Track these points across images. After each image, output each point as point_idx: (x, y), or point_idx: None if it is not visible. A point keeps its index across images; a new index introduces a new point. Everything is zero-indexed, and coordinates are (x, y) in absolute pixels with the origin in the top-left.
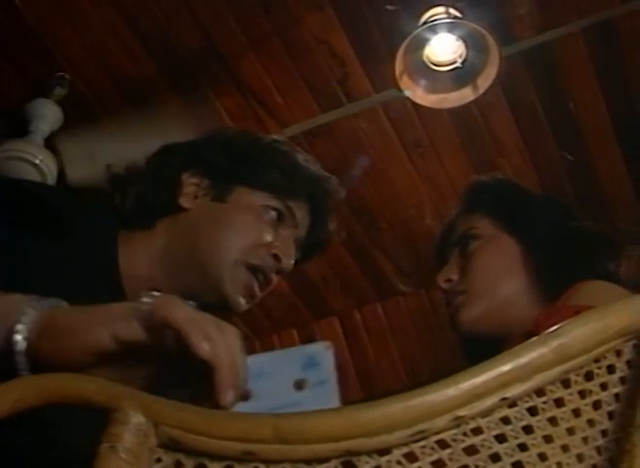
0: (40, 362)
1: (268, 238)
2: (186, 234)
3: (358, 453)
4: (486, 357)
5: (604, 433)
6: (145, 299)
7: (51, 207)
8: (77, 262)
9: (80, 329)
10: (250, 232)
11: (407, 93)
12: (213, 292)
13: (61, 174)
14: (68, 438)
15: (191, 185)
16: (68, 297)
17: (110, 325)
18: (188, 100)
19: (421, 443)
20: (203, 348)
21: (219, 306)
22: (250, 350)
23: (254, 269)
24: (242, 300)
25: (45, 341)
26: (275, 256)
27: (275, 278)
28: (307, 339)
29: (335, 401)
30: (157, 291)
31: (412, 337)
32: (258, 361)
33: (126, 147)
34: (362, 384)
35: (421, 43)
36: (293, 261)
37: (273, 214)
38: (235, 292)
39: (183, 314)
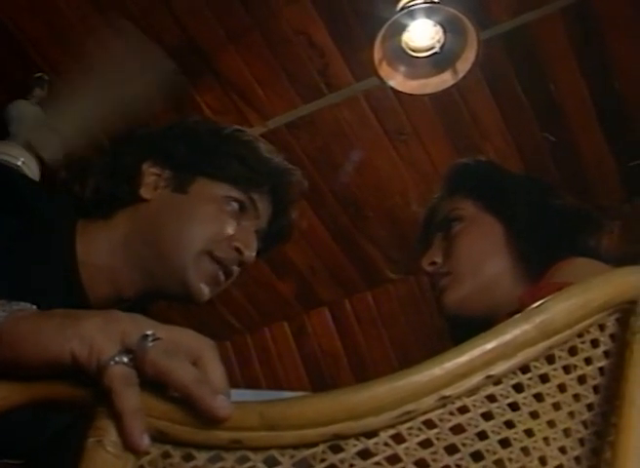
0: None
1: (230, 230)
2: (148, 225)
3: (345, 437)
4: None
5: (590, 407)
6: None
7: (14, 187)
8: (34, 245)
9: (41, 339)
10: (212, 223)
11: (387, 80)
12: (176, 283)
13: (44, 175)
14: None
15: (152, 175)
16: (22, 278)
17: (75, 344)
18: (169, 97)
19: (408, 424)
20: (222, 412)
21: (182, 296)
22: (241, 344)
23: (217, 261)
24: (206, 289)
25: (2, 348)
26: (237, 250)
27: (236, 270)
28: (298, 331)
29: None
30: (117, 281)
31: (402, 324)
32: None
33: None
34: (354, 373)
35: (399, 29)
36: (254, 253)
37: (235, 205)
38: (199, 282)
39: (189, 374)
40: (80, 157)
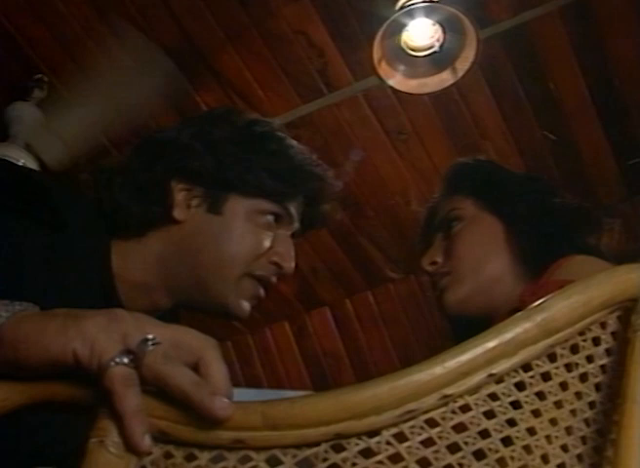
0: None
1: (267, 244)
2: (184, 249)
3: (348, 436)
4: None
5: (592, 405)
6: (137, 341)
7: (51, 200)
8: (70, 258)
9: (43, 339)
10: (250, 243)
11: (386, 79)
12: (217, 305)
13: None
14: (46, 433)
15: (182, 191)
16: (59, 289)
17: (77, 344)
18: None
19: (411, 423)
20: (222, 413)
21: (222, 314)
22: (243, 344)
23: (257, 279)
24: (247, 306)
25: (5, 348)
26: (276, 264)
27: (275, 280)
28: (300, 331)
29: None
30: (153, 296)
31: (403, 323)
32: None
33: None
34: (356, 373)
35: (399, 28)
36: (293, 264)
37: (270, 217)
38: (240, 302)
39: (185, 378)
40: (100, 167)
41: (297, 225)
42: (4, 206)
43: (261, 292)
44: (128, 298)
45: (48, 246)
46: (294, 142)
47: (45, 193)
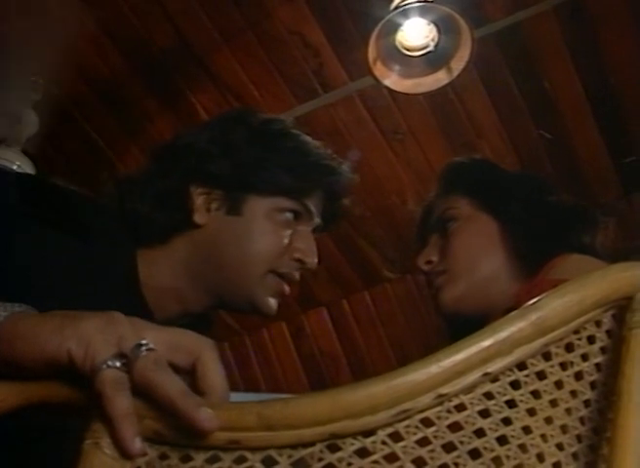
0: None
1: (286, 241)
2: (207, 251)
3: (343, 436)
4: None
5: (587, 403)
6: (131, 347)
7: (74, 209)
8: (96, 267)
9: (40, 338)
10: (271, 241)
11: (381, 79)
12: (244, 301)
13: None
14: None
15: (200, 195)
16: (84, 299)
17: (72, 344)
18: (164, 99)
19: (406, 422)
20: (207, 424)
21: (250, 311)
22: (240, 345)
23: (281, 276)
24: (273, 303)
25: (2, 346)
26: (298, 260)
27: (298, 275)
28: (297, 331)
29: None
30: (184, 300)
31: (401, 323)
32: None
33: None
34: (353, 373)
35: (393, 28)
36: (316, 259)
37: (289, 214)
38: (266, 298)
39: (173, 387)
40: (119, 177)
41: (317, 221)
42: (29, 216)
43: (286, 288)
44: (157, 306)
45: (73, 256)
46: (308, 138)
47: (69, 203)
